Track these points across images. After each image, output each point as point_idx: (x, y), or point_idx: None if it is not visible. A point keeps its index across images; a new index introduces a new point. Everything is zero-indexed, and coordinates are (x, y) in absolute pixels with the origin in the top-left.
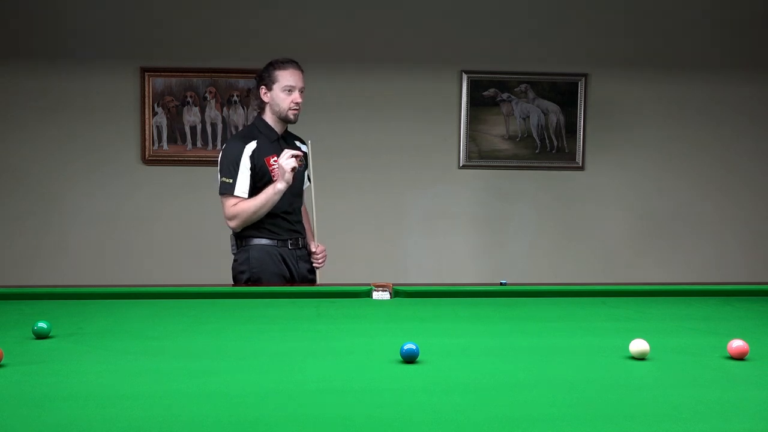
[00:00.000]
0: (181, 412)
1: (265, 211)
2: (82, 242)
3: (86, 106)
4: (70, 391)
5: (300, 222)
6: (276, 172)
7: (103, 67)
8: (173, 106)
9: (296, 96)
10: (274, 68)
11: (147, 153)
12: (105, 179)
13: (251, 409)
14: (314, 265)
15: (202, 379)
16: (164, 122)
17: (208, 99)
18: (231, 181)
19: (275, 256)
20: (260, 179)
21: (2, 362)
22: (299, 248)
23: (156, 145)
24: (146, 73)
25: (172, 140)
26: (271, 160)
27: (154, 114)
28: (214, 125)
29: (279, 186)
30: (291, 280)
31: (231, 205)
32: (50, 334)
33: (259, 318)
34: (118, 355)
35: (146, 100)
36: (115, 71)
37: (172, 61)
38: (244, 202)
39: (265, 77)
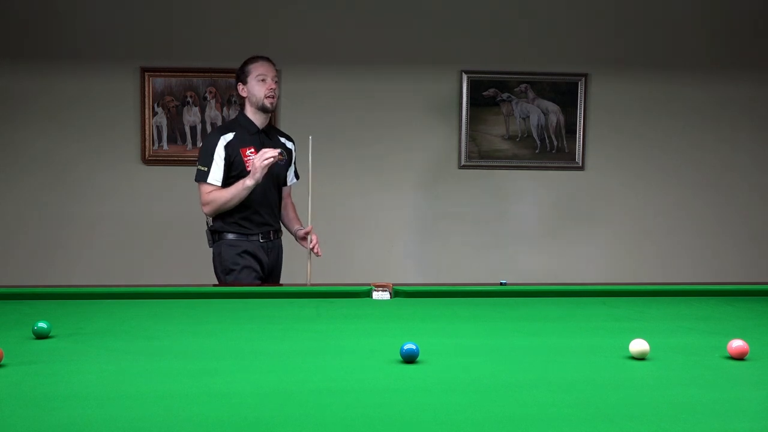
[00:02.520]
0: (181, 412)
1: (235, 203)
2: (82, 242)
3: (86, 106)
4: (70, 391)
5: (275, 215)
6: (250, 164)
7: (103, 67)
8: (173, 106)
9: (270, 83)
10: (246, 64)
11: (147, 153)
12: (105, 179)
13: (251, 409)
14: (315, 249)
15: (202, 379)
16: (164, 122)
17: (208, 99)
18: (206, 169)
19: (243, 250)
20: (234, 169)
21: (2, 362)
22: (270, 240)
23: (156, 145)
24: (146, 73)
25: (172, 140)
26: (247, 152)
27: (154, 114)
28: (214, 125)
29: (248, 182)
30: (262, 272)
31: (206, 192)
32: (50, 334)
33: (259, 318)
34: (118, 355)
35: (146, 100)
36: (115, 71)
37: (172, 61)
38: (218, 192)
39: (240, 75)
